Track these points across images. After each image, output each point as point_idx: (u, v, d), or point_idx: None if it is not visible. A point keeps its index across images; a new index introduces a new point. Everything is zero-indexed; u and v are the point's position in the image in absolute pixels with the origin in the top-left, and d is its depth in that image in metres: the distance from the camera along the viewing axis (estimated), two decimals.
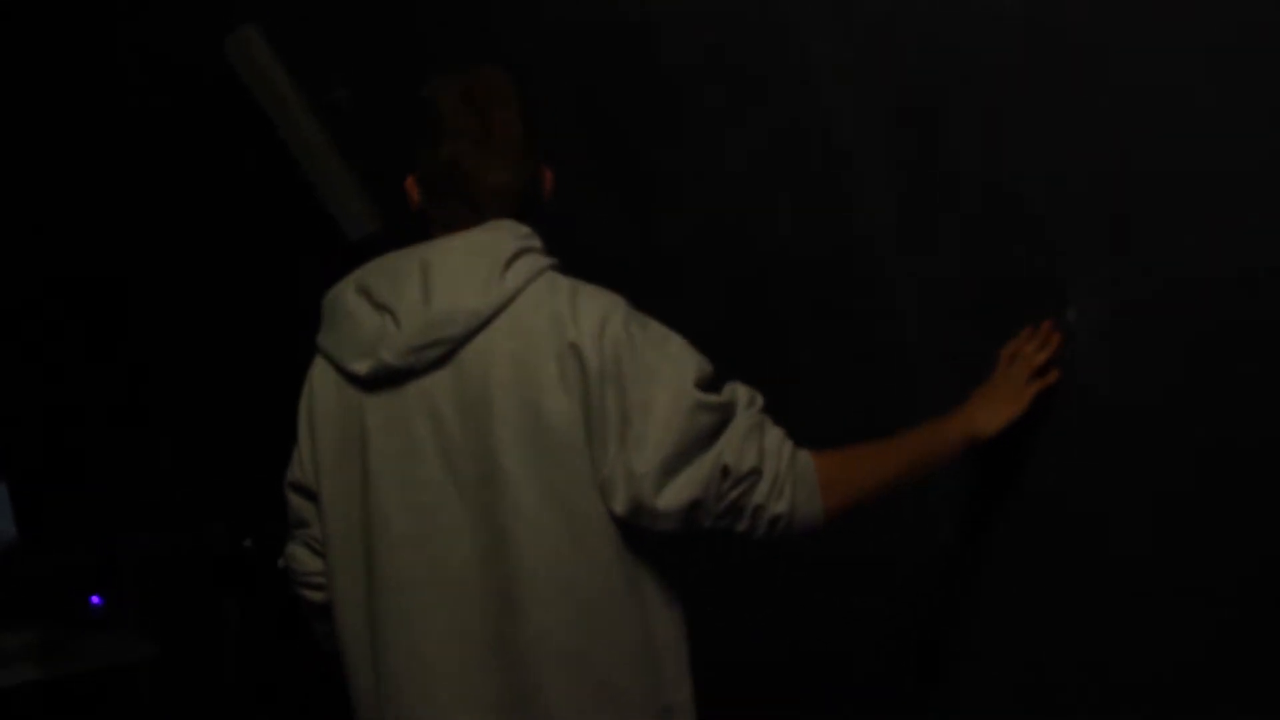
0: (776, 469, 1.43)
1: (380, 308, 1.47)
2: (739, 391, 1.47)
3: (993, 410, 1.59)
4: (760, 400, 1.49)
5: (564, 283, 1.47)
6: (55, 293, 3.23)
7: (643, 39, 1.98)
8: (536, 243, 1.49)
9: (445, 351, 1.44)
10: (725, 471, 1.41)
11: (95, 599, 3.01)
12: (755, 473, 1.42)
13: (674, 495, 1.39)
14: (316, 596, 1.61)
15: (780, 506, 1.43)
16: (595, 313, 1.43)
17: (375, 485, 1.47)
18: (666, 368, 1.42)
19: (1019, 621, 1.77)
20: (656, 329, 1.46)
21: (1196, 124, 1.40)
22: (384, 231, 2.64)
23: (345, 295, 1.51)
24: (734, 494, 1.41)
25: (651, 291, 1.58)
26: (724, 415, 1.43)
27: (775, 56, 1.82)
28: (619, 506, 1.40)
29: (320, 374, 1.55)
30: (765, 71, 1.84)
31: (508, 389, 1.42)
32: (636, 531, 1.43)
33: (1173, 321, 1.49)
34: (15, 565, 3.09)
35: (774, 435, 1.46)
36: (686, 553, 1.50)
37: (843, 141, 1.80)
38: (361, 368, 1.47)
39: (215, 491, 3.22)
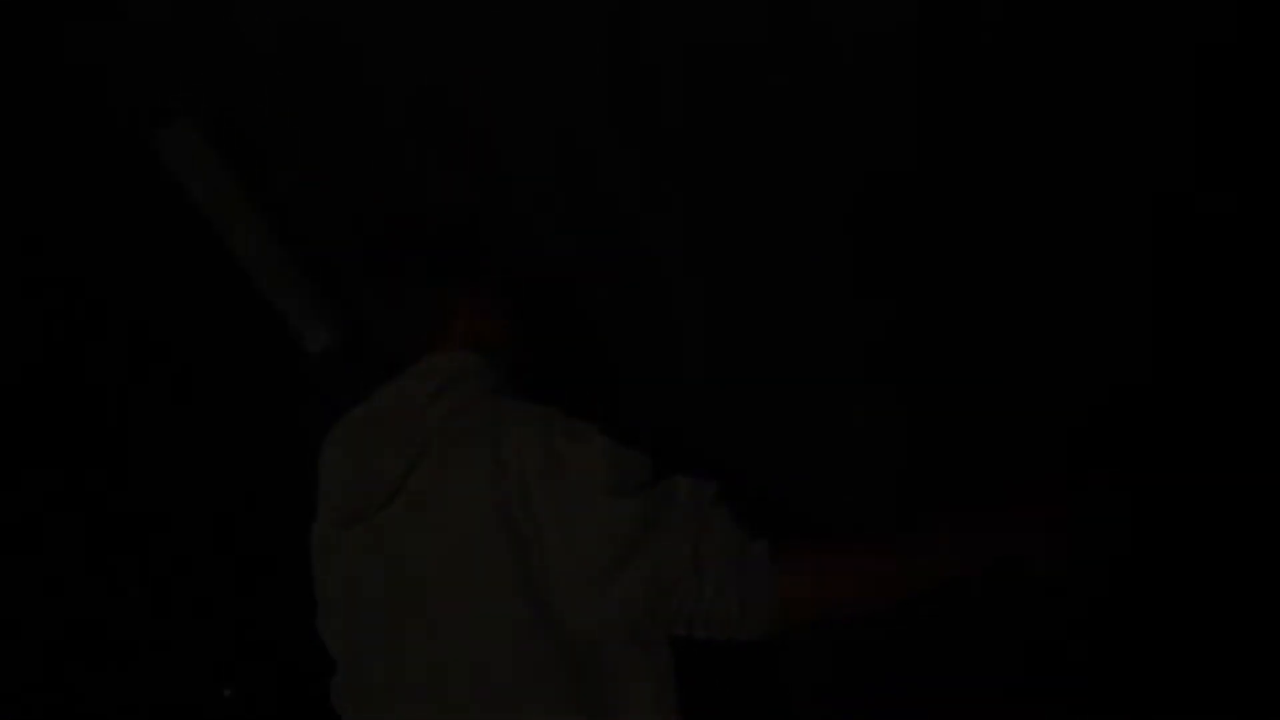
0: (719, 565, 1.30)
1: (347, 454, 1.48)
2: (679, 487, 1.35)
3: (1057, 543, 1.32)
4: (709, 491, 1.35)
5: (489, 410, 1.40)
6: None
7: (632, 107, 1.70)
8: (472, 367, 1.46)
9: (388, 492, 1.40)
10: (655, 579, 1.29)
11: None
12: (691, 572, 1.29)
13: (608, 614, 1.30)
14: None
15: (726, 605, 1.29)
16: (513, 441, 1.34)
17: (351, 628, 1.47)
18: (584, 483, 1.32)
19: None
20: (584, 439, 1.35)
21: None
22: (348, 344, 2.33)
23: (325, 441, 1.55)
24: (673, 601, 1.30)
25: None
26: (652, 516, 1.30)
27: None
28: (581, 635, 1.31)
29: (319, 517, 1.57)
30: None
31: (436, 531, 1.35)
32: (602, 656, 1.32)
33: None
34: None
35: (719, 526, 1.32)
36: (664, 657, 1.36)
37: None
38: (326, 513, 1.50)
39: (189, 627, 2.86)
